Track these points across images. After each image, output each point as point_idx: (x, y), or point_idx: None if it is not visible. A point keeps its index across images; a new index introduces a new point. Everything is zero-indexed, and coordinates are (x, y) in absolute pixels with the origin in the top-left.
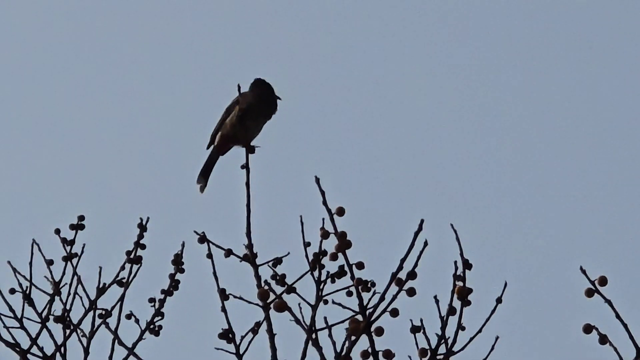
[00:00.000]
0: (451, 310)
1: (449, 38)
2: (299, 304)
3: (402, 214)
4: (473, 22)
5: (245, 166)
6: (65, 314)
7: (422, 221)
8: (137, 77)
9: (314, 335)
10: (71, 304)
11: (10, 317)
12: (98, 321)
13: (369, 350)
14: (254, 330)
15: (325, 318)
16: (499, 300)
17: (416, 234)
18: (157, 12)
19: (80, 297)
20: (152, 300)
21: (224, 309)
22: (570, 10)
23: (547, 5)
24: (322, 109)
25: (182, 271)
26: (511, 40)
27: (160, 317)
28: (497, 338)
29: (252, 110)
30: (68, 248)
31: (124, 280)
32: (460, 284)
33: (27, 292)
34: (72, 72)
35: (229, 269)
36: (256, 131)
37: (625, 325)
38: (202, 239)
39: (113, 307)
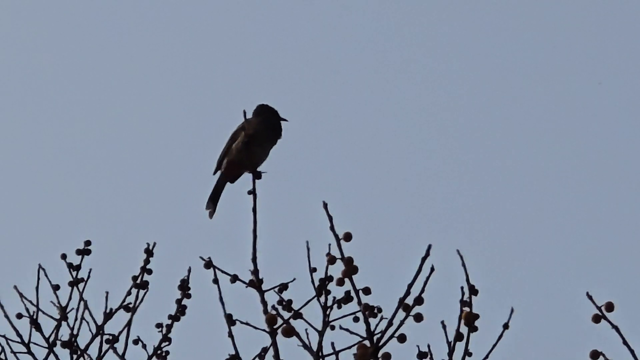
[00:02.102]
0: (458, 336)
1: (462, 65)
2: (306, 330)
3: (409, 239)
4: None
5: (252, 192)
6: (73, 339)
7: (429, 246)
8: (144, 102)
9: None
10: (78, 329)
11: (18, 342)
12: (105, 346)
13: None
14: (261, 355)
15: (332, 344)
16: (505, 326)
17: (423, 259)
18: (166, 37)
19: (87, 322)
20: (159, 325)
21: (230, 335)
22: (570, 10)
23: (547, 6)
24: (329, 135)
25: (188, 296)
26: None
27: (167, 343)
28: None
29: (258, 135)
30: (74, 273)
31: (131, 306)
32: (467, 309)
33: (34, 317)
34: (81, 99)
35: (235, 294)
36: (263, 157)
37: (632, 351)
38: (208, 264)
39: (120, 333)
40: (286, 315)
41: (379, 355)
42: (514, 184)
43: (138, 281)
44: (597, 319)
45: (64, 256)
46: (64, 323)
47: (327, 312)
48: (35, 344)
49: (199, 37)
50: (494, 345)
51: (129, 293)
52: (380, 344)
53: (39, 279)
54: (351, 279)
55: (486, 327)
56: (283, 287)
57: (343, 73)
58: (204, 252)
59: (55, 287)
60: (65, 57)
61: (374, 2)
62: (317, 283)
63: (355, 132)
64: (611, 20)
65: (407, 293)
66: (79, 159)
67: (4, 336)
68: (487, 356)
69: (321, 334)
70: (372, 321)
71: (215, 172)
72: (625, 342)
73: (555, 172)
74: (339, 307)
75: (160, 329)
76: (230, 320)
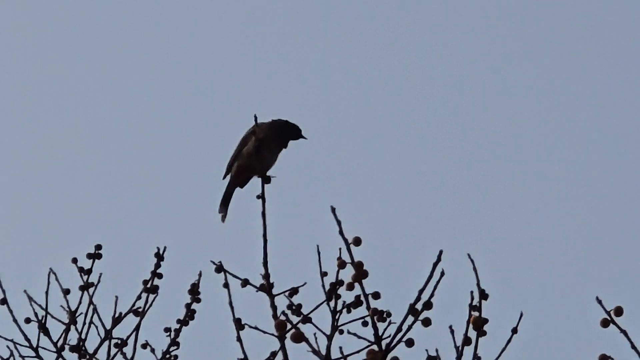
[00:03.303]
0: (467, 341)
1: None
2: (315, 334)
3: (419, 244)
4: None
5: (261, 196)
6: (81, 344)
7: (440, 252)
8: (154, 107)
9: None
10: (87, 333)
11: (26, 346)
12: (114, 351)
13: None
14: None
15: (340, 348)
16: (514, 331)
17: (435, 265)
18: (177, 42)
19: (96, 327)
20: (168, 329)
21: (239, 339)
22: (570, 10)
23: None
24: (338, 139)
25: (198, 301)
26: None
27: (176, 347)
28: None
29: (268, 140)
30: (85, 277)
31: (140, 310)
32: (476, 314)
33: (43, 321)
34: (92, 103)
35: (245, 298)
36: (272, 161)
37: None
38: (219, 268)
39: (129, 337)
40: (295, 319)
41: (387, 359)
42: (524, 189)
43: (148, 285)
44: (605, 323)
45: (74, 260)
46: (72, 327)
47: (337, 317)
48: (43, 348)
49: (210, 41)
50: (503, 350)
51: (138, 297)
52: (389, 348)
53: (49, 283)
54: (361, 284)
55: (495, 331)
56: (293, 291)
57: (351, 77)
58: (214, 257)
59: (66, 292)
60: (76, 62)
61: (384, 7)
62: (327, 287)
63: (364, 136)
64: (611, 20)
65: (418, 299)
66: (90, 163)
67: (12, 340)
68: None
69: (330, 338)
70: (381, 325)
71: (225, 177)
72: (633, 347)
73: (565, 177)
74: (349, 311)
75: (168, 333)
76: (239, 325)
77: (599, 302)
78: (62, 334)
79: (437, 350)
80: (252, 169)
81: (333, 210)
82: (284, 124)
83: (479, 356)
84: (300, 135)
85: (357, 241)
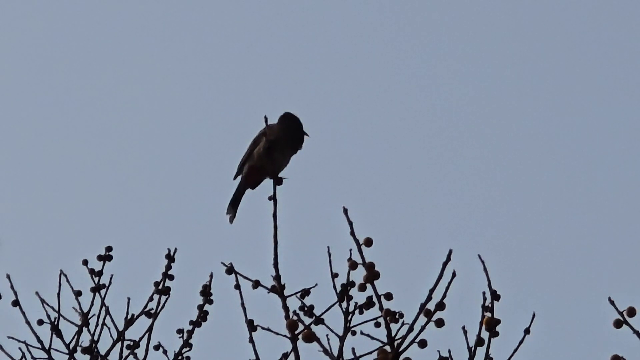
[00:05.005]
0: (479, 341)
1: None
2: (327, 335)
3: (430, 244)
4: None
5: (273, 197)
6: (93, 345)
7: (450, 251)
8: (166, 108)
9: None
10: (99, 335)
11: (38, 348)
12: (126, 352)
13: None
14: None
15: (353, 349)
16: (526, 331)
17: (444, 264)
18: (189, 43)
19: (109, 328)
20: (180, 331)
21: (252, 340)
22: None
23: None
24: (349, 140)
25: (210, 302)
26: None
27: (188, 348)
28: None
29: (279, 142)
30: (96, 279)
31: (152, 311)
32: (488, 314)
33: (55, 323)
34: (102, 105)
35: (257, 300)
36: (283, 163)
37: None
38: (230, 270)
39: (141, 338)
40: (308, 320)
41: None
42: (535, 189)
43: (160, 287)
44: (618, 324)
45: (85, 262)
46: (85, 329)
47: (349, 318)
48: (56, 350)
49: (222, 42)
50: (515, 350)
51: (150, 299)
52: (401, 349)
53: (60, 284)
54: (373, 285)
55: (507, 332)
56: (305, 292)
57: (363, 77)
58: (225, 258)
59: (77, 293)
60: (90, 65)
61: (397, 7)
62: (339, 288)
63: (376, 137)
64: (611, 20)
65: (429, 298)
66: (100, 165)
67: (24, 342)
68: None
69: (342, 339)
70: (393, 326)
71: (235, 178)
72: None
73: (577, 177)
74: (361, 312)
75: (181, 335)
76: (251, 326)
77: (612, 302)
78: (74, 336)
79: (449, 351)
80: (263, 170)
81: (345, 211)
82: (290, 118)
83: (492, 357)
84: (303, 131)
85: (369, 242)
